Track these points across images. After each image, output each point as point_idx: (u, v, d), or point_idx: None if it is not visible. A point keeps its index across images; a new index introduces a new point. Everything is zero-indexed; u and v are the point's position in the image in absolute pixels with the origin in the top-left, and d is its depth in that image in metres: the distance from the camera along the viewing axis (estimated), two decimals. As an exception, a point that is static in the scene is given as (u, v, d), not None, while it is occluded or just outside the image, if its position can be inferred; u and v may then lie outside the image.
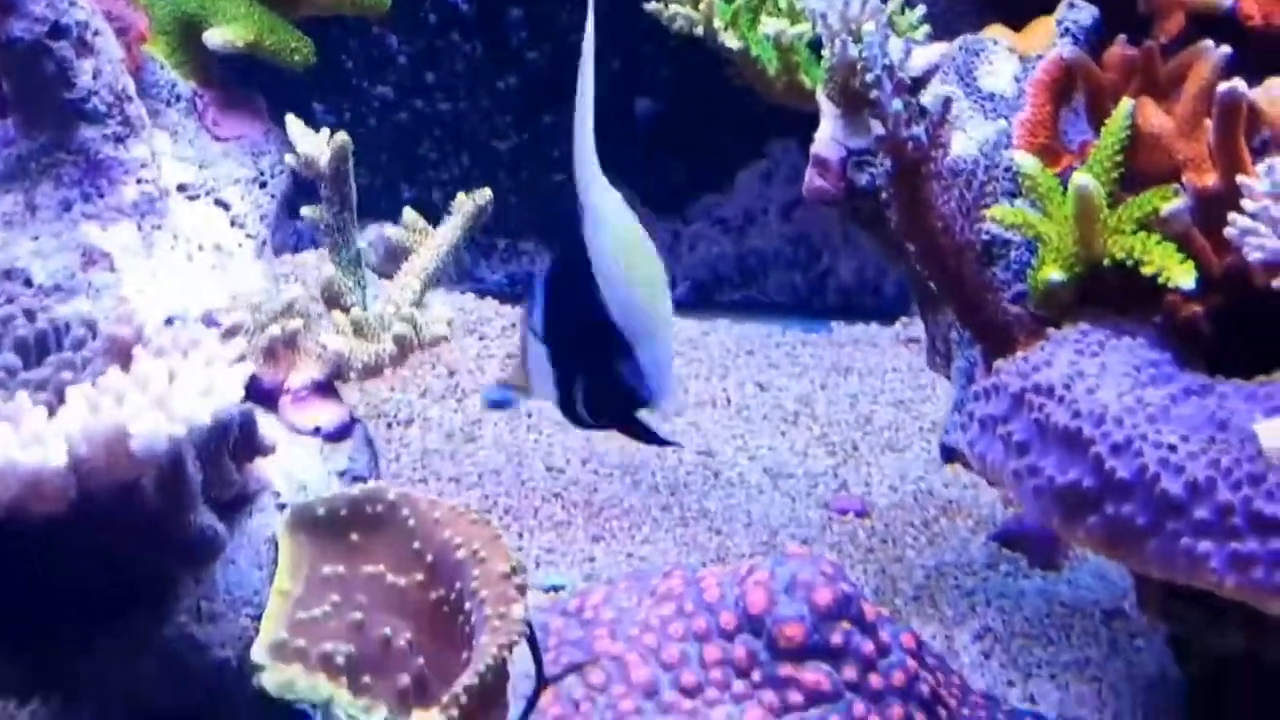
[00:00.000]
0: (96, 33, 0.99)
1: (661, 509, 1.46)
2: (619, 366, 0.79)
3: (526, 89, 2.21)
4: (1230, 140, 0.91)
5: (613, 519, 1.43)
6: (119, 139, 1.00)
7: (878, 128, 0.92)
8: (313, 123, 2.16)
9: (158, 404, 0.69)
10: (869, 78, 0.90)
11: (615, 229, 0.80)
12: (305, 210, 1.11)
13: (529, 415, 1.73)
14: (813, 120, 1.19)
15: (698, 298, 2.27)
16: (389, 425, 1.66)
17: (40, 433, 0.66)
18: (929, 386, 1.84)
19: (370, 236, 1.94)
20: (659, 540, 1.39)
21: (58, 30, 0.96)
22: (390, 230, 1.14)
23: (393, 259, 1.96)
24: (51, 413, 0.70)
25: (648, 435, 0.85)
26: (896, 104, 0.89)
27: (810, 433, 1.72)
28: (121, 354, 0.78)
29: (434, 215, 2.23)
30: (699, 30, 1.20)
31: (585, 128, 0.82)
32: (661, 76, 2.18)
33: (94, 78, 0.98)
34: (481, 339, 2.01)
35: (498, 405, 1.68)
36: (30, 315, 0.87)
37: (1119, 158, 0.97)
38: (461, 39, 2.19)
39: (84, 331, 0.84)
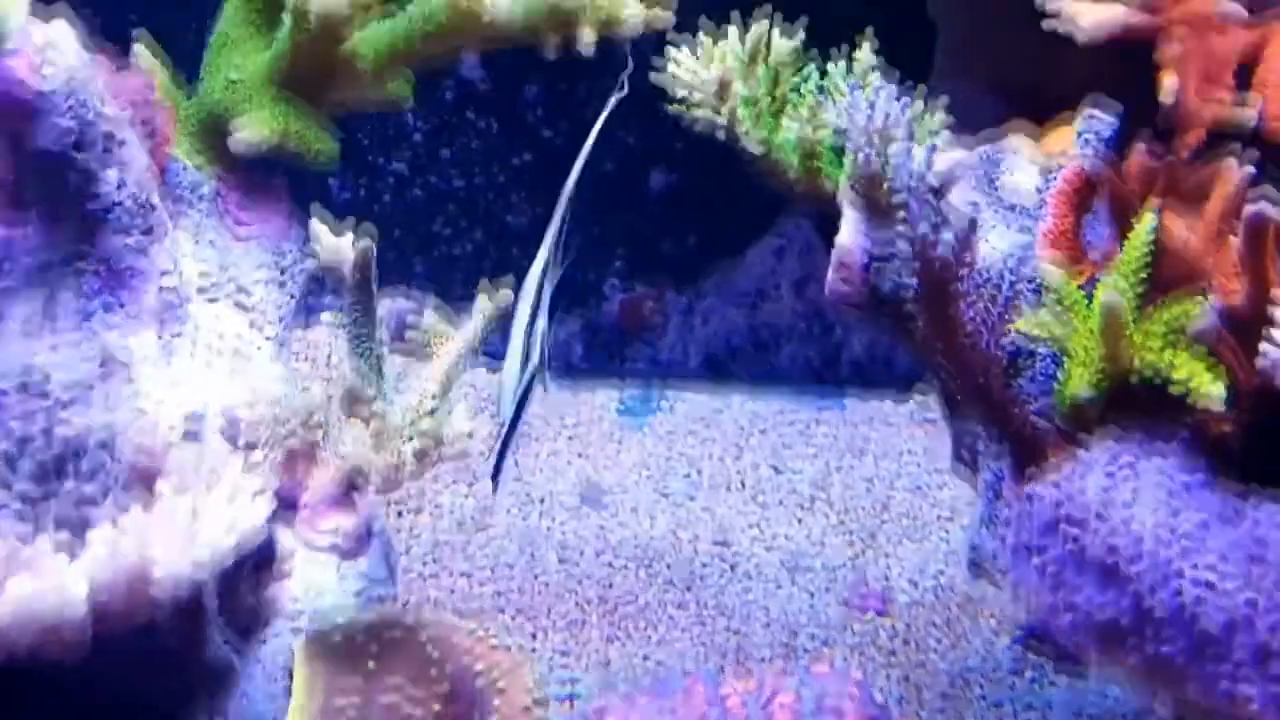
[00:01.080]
0: (122, 141, 0.98)
1: (678, 606, 1.44)
2: None
3: (541, 165, 2.22)
4: (1258, 261, 0.90)
5: (628, 617, 1.41)
6: (141, 246, 1.00)
7: (905, 245, 0.91)
8: (327, 198, 2.17)
9: (180, 545, 0.68)
10: (896, 198, 0.90)
11: None
12: (325, 316, 1.10)
13: (541, 501, 1.72)
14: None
15: (710, 371, 2.27)
16: (399, 514, 1.64)
17: (61, 580, 0.65)
18: (945, 472, 1.82)
19: (382, 311, 1.94)
20: (676, 640, 1.37)
21: (83, 139, 0.95)
22: (412, 333, 1.14)
23: (404, 335, 1.95)
24: (71, 551, 0.69)
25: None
26: (924, 225, 0.89)
27: (827, 519, 1.70)
28: (144, 482, 0.77)
29: (446, 290, 2.23)
30: (721, 133, 1.20)
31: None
32: (675, 149, 2.19)
33: (119, 186, 0.97)
34: (492, 416, 1.99)
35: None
36: (47, 434, 0.86)
37: (1144, 271, 0.97)
38: (477, 116, 2.20)
39: (103, 453, 0.83)
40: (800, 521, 1.68)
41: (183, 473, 0.77)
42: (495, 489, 1.07)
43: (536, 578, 1.49)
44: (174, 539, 0.69)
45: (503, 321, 1.14)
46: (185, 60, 1.26)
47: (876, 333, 1.14)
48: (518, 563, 1.52)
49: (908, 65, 1.21)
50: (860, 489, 1.78)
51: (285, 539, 0.96)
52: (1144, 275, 0.97)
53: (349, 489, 0.99)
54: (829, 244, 1.16)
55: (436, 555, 1.52)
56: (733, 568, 1.54)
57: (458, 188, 2.23)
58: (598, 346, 2.27)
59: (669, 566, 1.53)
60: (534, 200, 2.22)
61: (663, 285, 2.27)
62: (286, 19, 1.14)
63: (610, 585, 1.48)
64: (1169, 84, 0.97)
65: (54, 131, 0.94)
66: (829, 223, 1.18)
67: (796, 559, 1.56)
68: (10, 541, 0.68)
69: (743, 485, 1.80)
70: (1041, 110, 1.17)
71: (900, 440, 1.97)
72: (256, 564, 0.85)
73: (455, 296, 2.47)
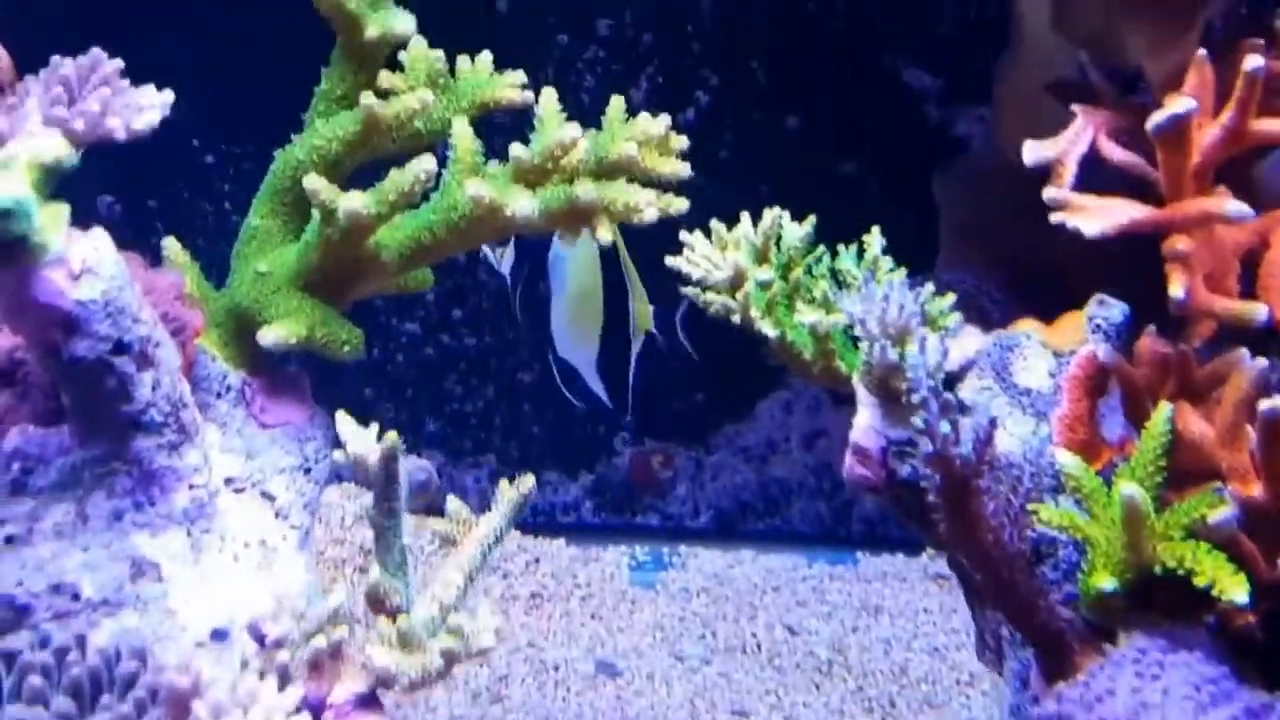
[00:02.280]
0: (157, 345, 1.01)
1: (699, 785, 1.42)
2: None
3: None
4: (1275, 457, 0.92)
5: (649, 800, 1.39)
6: (173, 447, 1.02)
7: (925, 444, 0.93)
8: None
9: (219, 777, 0.69)
10: (915, 397, 0.92)
11: None
12: (346, 487, 1.11)
13: (555, 669, 1.71)
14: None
15: (721, 527, 2.27)
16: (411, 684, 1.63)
17: (103, 820, 0.65)
18: (962, 632, 1.81)
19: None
20: (698, 826, 1.35)
21: (120, 347, 0.98)
22: (435, 523, 1.14)
23: (417, 495, 1.95)
24: (108, 780, 0.69)
25: None
26: (944, 426, 0.90)
27: (845, 685, 1.68)
28: (179, 701, 0.77)
29: (457, 448, 2.24)
30: (736, 318, 1.23)
31: None
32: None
33: (153, 390, 1.00)
34: (505, 576, 1.99)
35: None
36: (82, 642, 0.86)
37: (1161, 462, 0.99)
38: (488, 276, 2.25)
39: (135, 665, 0.84)
40: (818, 688, 1.67)
41: (218, 694, 0.78)
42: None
43: (554, 757, 1.47)
44: (214, 772, 0.69)
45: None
46: (206, 240, 1.30)
47: (897, 513, 1.15)
48: (535, 740, 1.50)
49: (914, 250, 1.25)
50: (878, 651, 1.77)
51: (312, 742, 0.95)
52: (1161, 465, 0.98)
53: (376, 688, 0.99)
54: (836, 399, 1.18)
55: (453, 733, 1.50)
56: (753, 742, 1.52)
57: (469, 346, 2.26)
58: (607, 504, 2.28)
59: (688, 741, 1.51)
60: (543, 356, 2.25)
61: (672, 442, 2.29)
62: (315, 215, 1.17)
63: (629, 764, 1.46)
64: (1179, 281, 1.00)
65: (91, 340, 0.97)
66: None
67: (817, 731, 1.54)
68: (51, 775, 0.68)
69: (758, 648, 1.78)
70: (1047, 295, 1.20)
71: (915, 597, 1.96)
72: (287, 778, 0.85)
73: (466, 453, 2.47)
